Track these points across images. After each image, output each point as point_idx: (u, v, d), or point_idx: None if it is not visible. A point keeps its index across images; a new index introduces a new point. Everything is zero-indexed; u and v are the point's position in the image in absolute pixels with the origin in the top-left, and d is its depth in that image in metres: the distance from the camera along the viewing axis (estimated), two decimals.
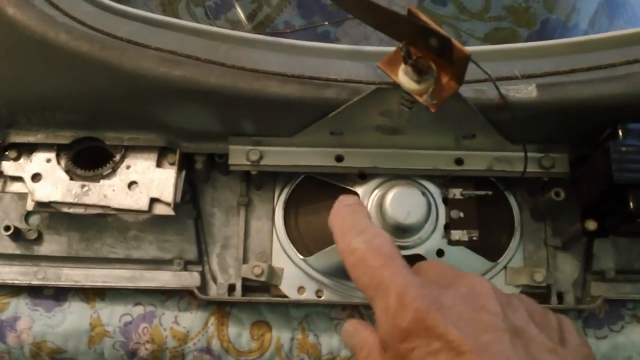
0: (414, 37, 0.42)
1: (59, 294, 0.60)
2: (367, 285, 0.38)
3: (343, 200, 0.45)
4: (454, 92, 0.44)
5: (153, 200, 0.55)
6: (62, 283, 0.59)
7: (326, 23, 0.68)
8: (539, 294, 0.59)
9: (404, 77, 0.44)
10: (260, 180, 0.61)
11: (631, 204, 0.47)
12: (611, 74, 0.52)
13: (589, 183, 0.52)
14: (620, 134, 0.50)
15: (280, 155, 0.58)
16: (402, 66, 0.44)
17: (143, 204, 0.54)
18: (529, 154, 0.57)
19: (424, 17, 0.40)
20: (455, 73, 0.43)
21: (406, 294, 0.36)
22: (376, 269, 0.38)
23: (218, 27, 0.68)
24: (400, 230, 0.56)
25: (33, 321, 0.59)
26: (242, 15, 0.74)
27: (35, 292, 0.60)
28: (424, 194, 0.57)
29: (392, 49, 0.46)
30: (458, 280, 0.39)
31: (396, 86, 0.45)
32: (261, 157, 0.57)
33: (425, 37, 0.41)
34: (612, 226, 0.52)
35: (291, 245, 0.60)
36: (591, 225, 0.52)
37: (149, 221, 0.60)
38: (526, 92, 0.50)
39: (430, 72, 0.43)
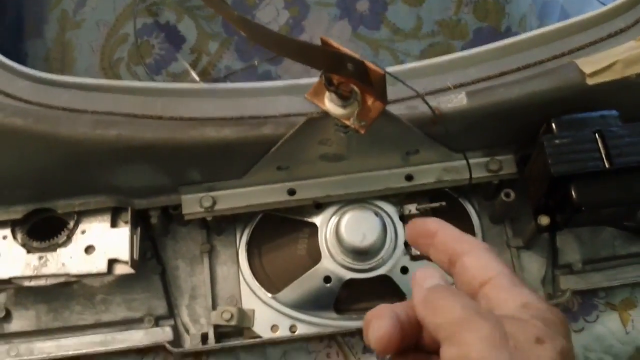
0: (332, 65, 0.43)
1: None
2: None
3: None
4: (381, 112, 0.45)
5: (112, 261, 0.55)
6: (35, 357, 0.58)
7: (256, 63, 0.69)
8: None
9: (330, 104, 0.45)
10: (219, 226, 0.61)
11: (574, 194, 0.48)
12: (540, 70, 0.54)
13: (534, 180, 0.53)
14: (555, 127, 0.50)
15: (233, 198, 0.58)
16: (327, 94, 0.45)
17: (102, 267, 0.55)
18: (476, 160, 0.58)
19: (335, 45, 0.41)
20: (377, 93, 0.43)
21: None
22: None
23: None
24: (359, 254, 0.57)
25: None
26: (187, 65, 0.75)
27: None
28: (377, 214, 0.58)
29: None
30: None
31: (325, 114, 0.46)
32: (215, 203, 0.58)
33: (341, 63, 0.42)
34: (564, 219, 0.52)
35: (258, 285, 0.60)
36: (544, 220, 0.53)
37: (114, 283, 0.60)
38: (456, 101, 0.51)
39: (353, 96, 0.44)
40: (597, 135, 0.48)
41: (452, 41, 0.73)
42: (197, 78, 0.72)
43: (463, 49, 0.72)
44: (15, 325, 0.60)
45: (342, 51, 0.41)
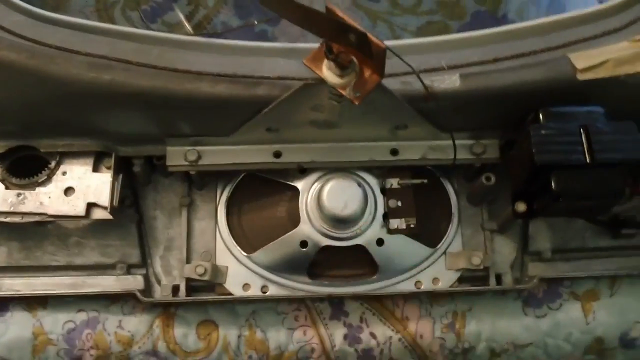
0: (335, 34, 0.43)
1: (1, 305, 0.60)
2: None
3: None
4: (377, 85, 0.45)
5: (90, 206, 0.55)
6: (3, 293, 0.59)
7: (256, 22, 0.69)
8: (479, 276, 0.61)
9: (327, 72, 0.45)
10: (201, 181, 0.62)
11: (553, 184, 0.49)
12: (533, 60, 0.55)
13: (516, 166, 0.54)
14: (542, 117, 0.51)
15: (218, 155, 0.58)
16: (326, 62, 0.45)
17: (80, 210, 0.55)
18: (461, 142, 0.59)
19: (340, 14, 0.41)
20: (376, 66, 0.44)
21: None
22: None
23: (154, 30, 0.68)
24: (338, 222, 0.58)
25: None
26: (182, 17, 0.74)
27: None
28: (360, 185, 0.58)
29: None
30: None
31: (322, 81, 0.46)
32: (199, 157, 0.58)
33: (344, 33, 0.42)
34: (541, 207, 0.54)
35: (234, 243, 0.61)
36: (521, 207, 0.54)
37: (90, 227, 0.60)
38: (449, 82, 0.51)
39: (351, 67, 0.44)
40: (582, 129, 0.49)
41: (450, 21, 0.74)
42: (191, 31, 0.71)
43: (459, 29, 0.73)
44: None
45: (347, 21, 0.41)
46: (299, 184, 0.60)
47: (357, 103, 0.45)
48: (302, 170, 0.61)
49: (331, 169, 0.60)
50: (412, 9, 0.75)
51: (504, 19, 0.74)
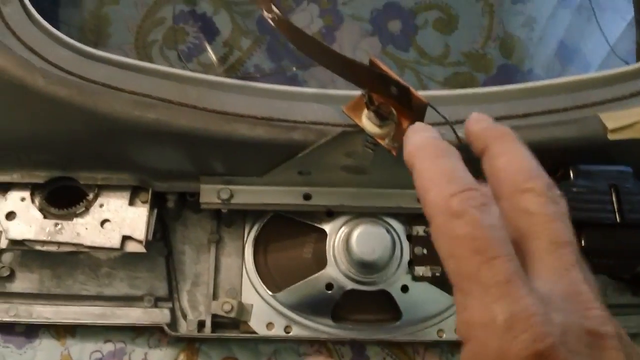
0: (376, 85, 0.45)
1: (30, 331, 0.61)
2: (456, 273, 0.28)
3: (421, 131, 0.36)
4: None
5: (125, 238, 0.56)
6: (34, 320, 0.60)
7: (294, 69, 0.71)
8: None
9: (367, 122, 0.46)
10: (230, 218, 0.63)
11: (583, 242, 0.50)
12: (563, 118, 0.56)
13: None
14: (572, 174, 0.53)
15: (250, 194, 0.59)
16: (365, 111, 0.46)
17: (115, 242, 0.56)
18: None
19: (384, 67, 0.43)
20: (415, 119, 0.45)
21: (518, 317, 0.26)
22: (475, 263, 0.27)
23: (190, 70, 0.70)
24: (365, 267, 0.59)
25: (4, 358, 0.60)
26: (213, 57, 0.77)
27: (6, 329, 0.61)
28: (388, 231, 0.59)
29: (356, 92, 0.49)
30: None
31: (361, 130, 0.48)
32: (232, 196, 0.59)
33: (386, 85, 0.44)
34: None
35: (260, 282, 0.62)
36: None
37: (120, 258, 0.61)
38: None
39: (391, 117, 0.45)
40: (612, 189, 0.50)
41: (476, 73, 0.76)
42: (222, 73, 0.73)
43: (486, 81, 0.74)
44: (17, 286, 0.61)
45: (390, 75, 0.43)
46: (327, 227, 0.62)
47: (394, 154, 0.46)
48: (330, 213, 0.62)
49: (358, 214, 0.61)
50: (440, 60, 0.77)
51: (529, 74, 0.76)
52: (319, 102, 0.57)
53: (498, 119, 0.57)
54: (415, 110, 0.44)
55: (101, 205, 0.57)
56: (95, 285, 0.61)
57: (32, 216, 0.57)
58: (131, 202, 0.58)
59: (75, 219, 0.57)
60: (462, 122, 0.56)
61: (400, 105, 0.45)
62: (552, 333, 0.25)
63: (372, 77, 0.45)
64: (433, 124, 0.54)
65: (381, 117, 0.46)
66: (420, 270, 0.60)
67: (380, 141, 0.46)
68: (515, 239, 0.29)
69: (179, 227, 0.64)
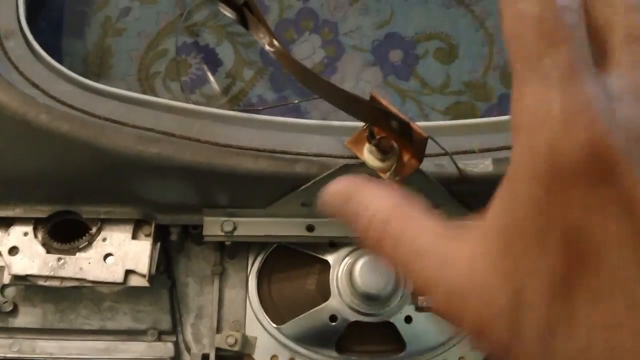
0: (377, 119, 0.45)
1: None
2: (517, 56, 0.23)
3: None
4: (415, 169, 0.47)
5: (128, 272, 0.56)
6: (37, 355, 0.59)
7: (296, 101, 0.71)
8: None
9: (368, 155, 0.47)
10: (233, 250, 0.63)
11: None
12: None
13: None
14: None
15: (253, 226, 0.60)
16: (367, 145, 0.47)
17: (118, 277, 0.56)
18: None
19: (385, 102, 0.43)
20: (416, 152, 0.46)
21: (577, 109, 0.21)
22: (540, 47, 0.23)
23: (193, 102, 0.71)
24: (369, 299, 0.58)
25: None
26: (217, 88, 0.77)
27: None
28: None
29: (359, 124, 0.49)
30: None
31: (362, 162, 0.48)
32: (235, 228, 0.59)
33: (387, 119, 0.44)
34: None
35: (264, 314, 0.61)
36: None
37: (123, 292, 0.61)
38: (483, 166, 0.53)
39: (392, 151, 0.46)
40: None
41: (477, 102, 0.76)
42: (225, 105, 0.74)
43: (487, 110, 0.75)
44: (20, 320, 0.61)
45: (390, 110, 0.43)
46: (330, 258, 0.62)
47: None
48: (333, 244, 0.62)
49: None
50: (440, 89, 0.77)
51: None
52: (322, 134, 0.58)
53: (499, 149, 0.57)
54: (416, 144, 0.44)
55: (104, 239, 0.58)
56: (98, 320, 0.61)
57: (35, 251, 0.57)
58: (134, 236, 0.58)
59: (78, 254, 0.57)
60: (463, 152, 0.57)
61: (401, 138, 0.46)
62: (613, 132, 0.21)
63: (373, 112, 0.45)
64: (435, 155, 0.55)
65: (383, 151, 0.46)
66: (423, 300, 0.60)
67: (382, 174, 0.46)
68: (594, 31, 0.25)
69: (182, 259, 0.64)
